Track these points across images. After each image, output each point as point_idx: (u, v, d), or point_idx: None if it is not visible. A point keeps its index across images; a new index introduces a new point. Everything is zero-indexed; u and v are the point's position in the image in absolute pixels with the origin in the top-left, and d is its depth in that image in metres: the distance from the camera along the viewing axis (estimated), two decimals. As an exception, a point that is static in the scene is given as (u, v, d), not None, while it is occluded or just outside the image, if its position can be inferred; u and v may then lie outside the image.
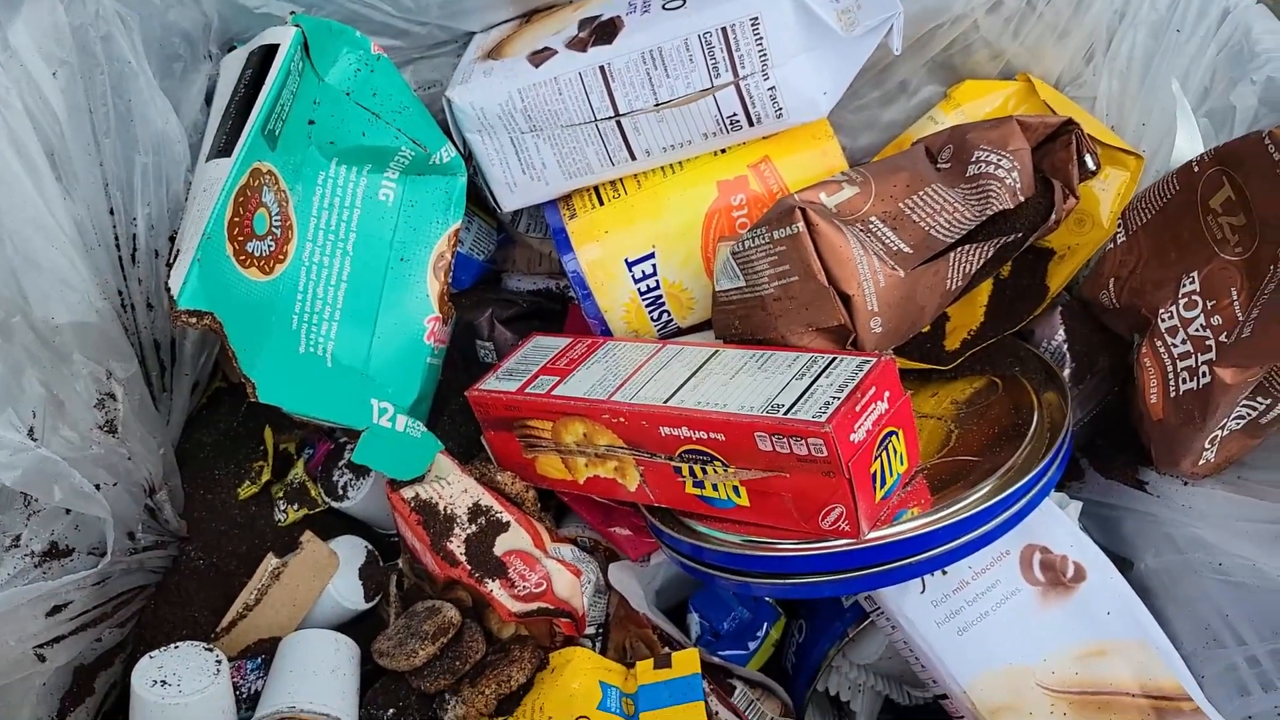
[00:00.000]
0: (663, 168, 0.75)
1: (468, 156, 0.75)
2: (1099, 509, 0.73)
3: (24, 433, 0.57)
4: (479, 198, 0.80)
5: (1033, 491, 0.63)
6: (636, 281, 0.75)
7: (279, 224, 0.67)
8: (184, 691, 0.61)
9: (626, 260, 0.74)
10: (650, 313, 0.76)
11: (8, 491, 0.59)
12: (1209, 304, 0.65)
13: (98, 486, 0.61)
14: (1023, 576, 0.65)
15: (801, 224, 0.63)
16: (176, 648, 0.64)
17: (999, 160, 0.66)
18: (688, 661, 0.64)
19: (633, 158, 0.73)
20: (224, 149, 0.64)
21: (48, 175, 0.62)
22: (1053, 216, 0.66)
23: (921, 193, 0.66)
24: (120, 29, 0.67)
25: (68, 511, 0.62)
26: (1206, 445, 0.65)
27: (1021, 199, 0.65)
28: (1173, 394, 0.67)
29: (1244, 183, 0.63)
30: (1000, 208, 0.65)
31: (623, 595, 0.72)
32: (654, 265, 0.74)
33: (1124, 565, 0.67)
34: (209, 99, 0.72)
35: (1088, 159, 0.67)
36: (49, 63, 0.63)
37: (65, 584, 0.60)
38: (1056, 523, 0.66)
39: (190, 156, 0.71)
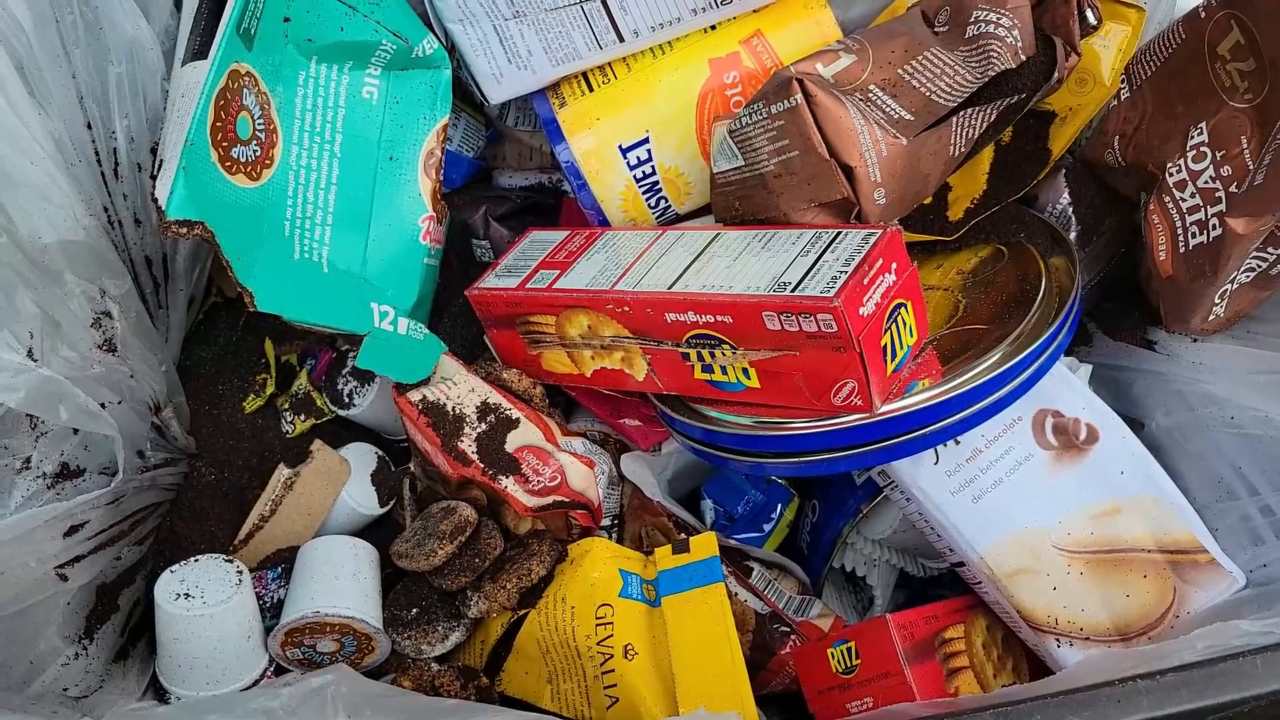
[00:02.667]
0: (652, 49, 0.72)
1: (450, 49, 0.73)
2: (1108, 371, 0.73)
3: (23, 354, 0.56)
4: (465, 93, 0.77)
5: (1043, 357, 0.63)
6: (632, 168, 0.73)
7: (262, 128, 0.65)
8: (208, 603, 0.61)
9: (620, 147, 0.72)
10: (647, 200, 0.74)
11: (13, 414, 0.59)
12: (1218, 154, 0.63)
13: (103, 405, 0.61)
14: (1035, 441, 0.65)
15: (799, 96, 0.61)
16: (197, 561, 0.64)
17: (999, 19, 0.64)
18: (706, 545, 0.64)
19: (621, 40, 0.70)
20: (199, 51, 0.61)
21: (18, 89, 0.60)
22: (1055, 75, 0.64)
23: (920, 57, 0.64)
24: (79, -69, 0.64)
25: (75, 432, 0.62)
26: (1216, 300, 0.65)
27: (1023, 58, 0.64)
28: (1182, 250, 0.66)
29: (1253, 25, 0.61)
30: (1002, 68, 0.63)
31: (636, 485, 0.73)
32: (649, 151, 0.73)
33: (1135, 426, 0.68)
34: (178, 3, 0.70)
35: (1089, 13, 0.65)
36: (8, -30, 0.60)
37: (79, 504, 0.60)
38: (1068, 386, 0.66)
39: (164, 64, 0.68)
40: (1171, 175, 0.66)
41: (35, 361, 0.57)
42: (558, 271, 0.70)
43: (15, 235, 0.59)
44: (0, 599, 0.56)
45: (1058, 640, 0.62)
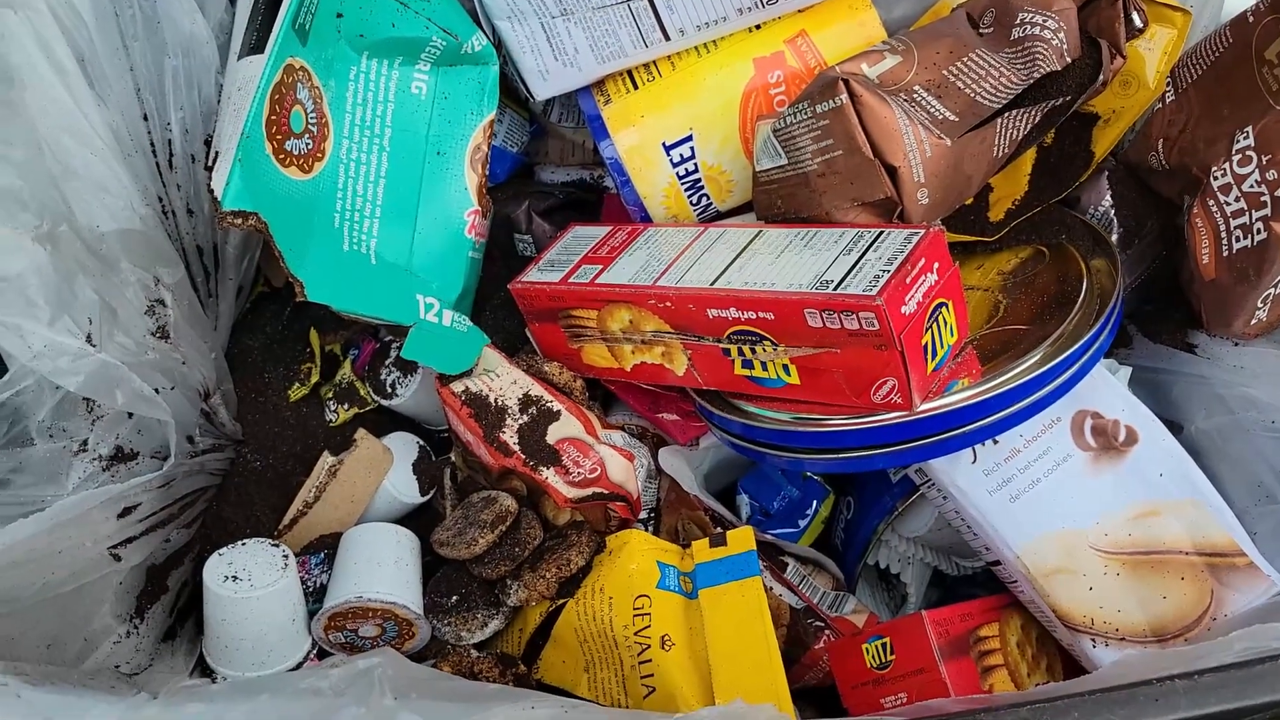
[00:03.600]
0: (697, 48, 0.73)
1: (497, 45, 0.74)
2: (1147, 374, 0.73)
3: (82, 338, 0.58)
4: (510, 89, 0.78)
5: (1083, 358, 0.63)
6: (675, 165, 0.74)
7: (315, 121, 0.66)
8: (255, 585, 0.63)
9: (664, 144, 0.73)
10: (689, 197, 0.75)
11: (71, 398, 0.60)
12: (1264, 158, 0.63)
13: (157, 391, 0.62)
14: (1074, 442, 0.65)
15: (845, 96, 0.62)
16: (244, 544, 0.65)
17: (1044, 21, 0.64)
18: (743, 539, 0.65)
19: (666, 38, 0.71)
20: (255, 46, 0.63)
21: (79, 81, 0.62)
22: (1100, 77, 0.64)
23: (965, 59, 0.65)
24: (139, -72, 0.66)
25: (130, 416, 0.64)
26: (1259, 304, 0.65)
27: (1069, 60, 0.64)
28: (1225, 253, 0.66)
29: (1301, 30, 0.61)
30: (1047, 70, 0.63)
31: (674, 479, 0.73)
32: (692, 148, 0.73)
33: (1174, 428, 0.67)
34: (233, -1, 0.71)
35: (1135, 16, 0.65)
36: (72, -36, 0.62)
37: (133, 486, 0.61)
38: (1108, 387, 0.66)
39: (219, 58, 0.70)
40: (1216, 179, 0.66)
41: (94, 347, 0.58)
42: (600, 266, 0.71)
43: (75, 224, 0.61)
44: (57, 576, 0.57)
45: (1093, 640, 0.63)
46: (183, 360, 0.66)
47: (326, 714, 0.49)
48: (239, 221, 0.61)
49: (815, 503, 0.78)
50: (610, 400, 0.80)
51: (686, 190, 0.75)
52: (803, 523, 0.78)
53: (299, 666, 0.66)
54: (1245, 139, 0.65)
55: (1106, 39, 0.65)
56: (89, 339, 0.58)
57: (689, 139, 0.73)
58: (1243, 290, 0.65)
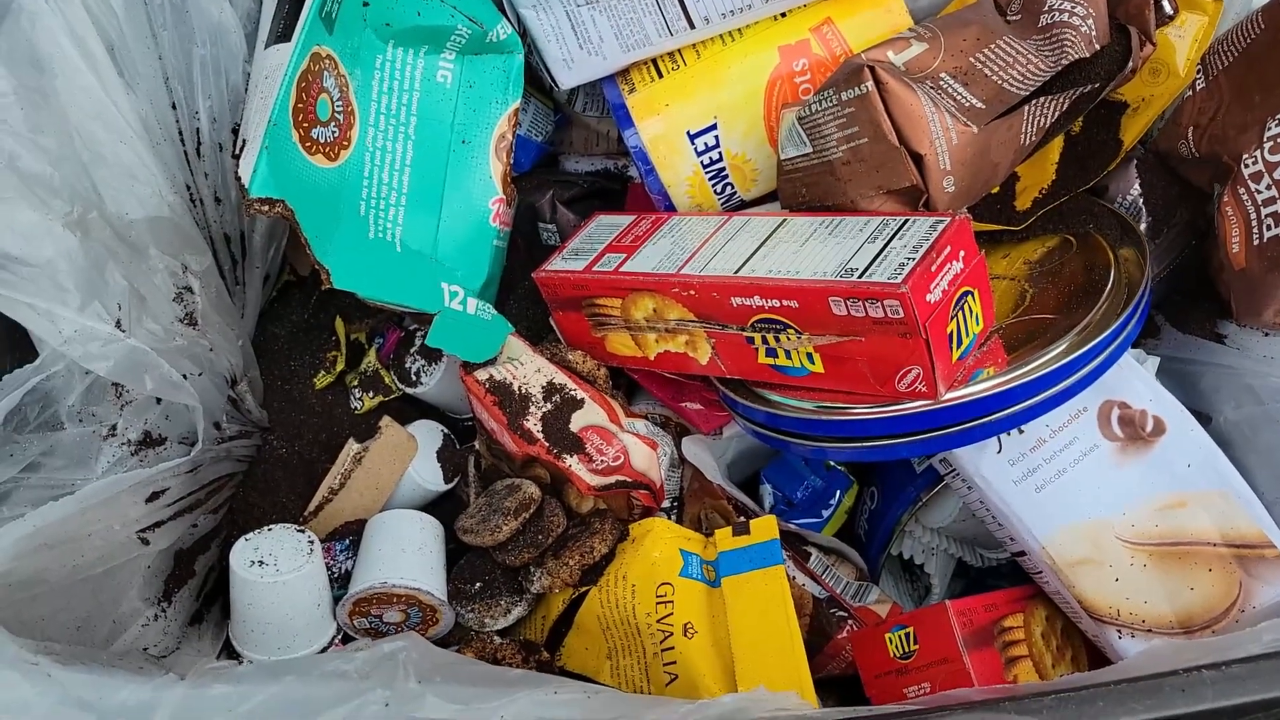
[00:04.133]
0: (721, 36, 0.73)
1: (522, 34, 0.74)
2: (1176, 364, 0.72)
3: (111, 324, 0.58)
4: (535, 77, 0.78)
5: (1110, 348, 0.63)
6: (699, 154, 0.74)
7: (341, 109, 0.67)
8: (281, 570, 0.63)
9: (689, 133, 0.73)
10: (713, 186, 0.75)
11: (100, 383, 0.61)
12: (1296, 146, 0.63)
13: (185, 376, 0.63)
14: (1100, 432, 0.65)
15: (870, 83, 0.61)
16: (270, 530, 0.66)
17: (1073, 7, 0.64)
18: (766, 528, 0.65)
19: (691, 26, 0.71)
20: (283, 34, 0.63)
21: (109, 69, 0.62)
22: (1130, 64, 0.64)
23: (992, 45, 0.64)
24: (167, -82, 0.66)
25: (158, 402, 0.64)
26: (1290, 293, 0.64)
27: (1097, 47, 0.63)
28: (1256, 242, 0.65)
29: (1335, 17, 0.60)
30: (1076, 57, 0.63)
31: (697, 468, 0.73)
32: (716, 137, 0.73)
33: (1203, 419, 0.67)
34: (260, -13, 0.72)
35: (1165, 3, 0.65)
36: (101, -47, 0.62)
37: (161, 471, 0.62)
38: (1135, 377, 0.65)
39: (246, 47, 0.70)
40: (1247, 166, 0.65)
41: (123, 332, 0.59)
42: (624, 255, 0.71)
43: (105, 211, 0.61)
44: (87, 559, 0.58)
45: (1119, 631, 0.62)
46: (210, 347, 0.67)
47: (351, 697, 0.50)
48: (265, 209, 0.61)
49: (839, 492, 0.78)
50: (634, 389, 0.80)
51: (711, 179, 0.75)
52: (826, 512, 0.78)
53: (324, 651, 0.66)
54: (1277, 126, 0.64)
55: (1136, 26, 0.64)
56: (118, 324, 0.59)
57: (713, 128, 0.73)
58: (1273, 279, 0.64)
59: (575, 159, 0.88)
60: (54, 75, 0.59)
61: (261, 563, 0.63)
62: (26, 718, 0.46)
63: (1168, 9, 0.64)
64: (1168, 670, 0.49)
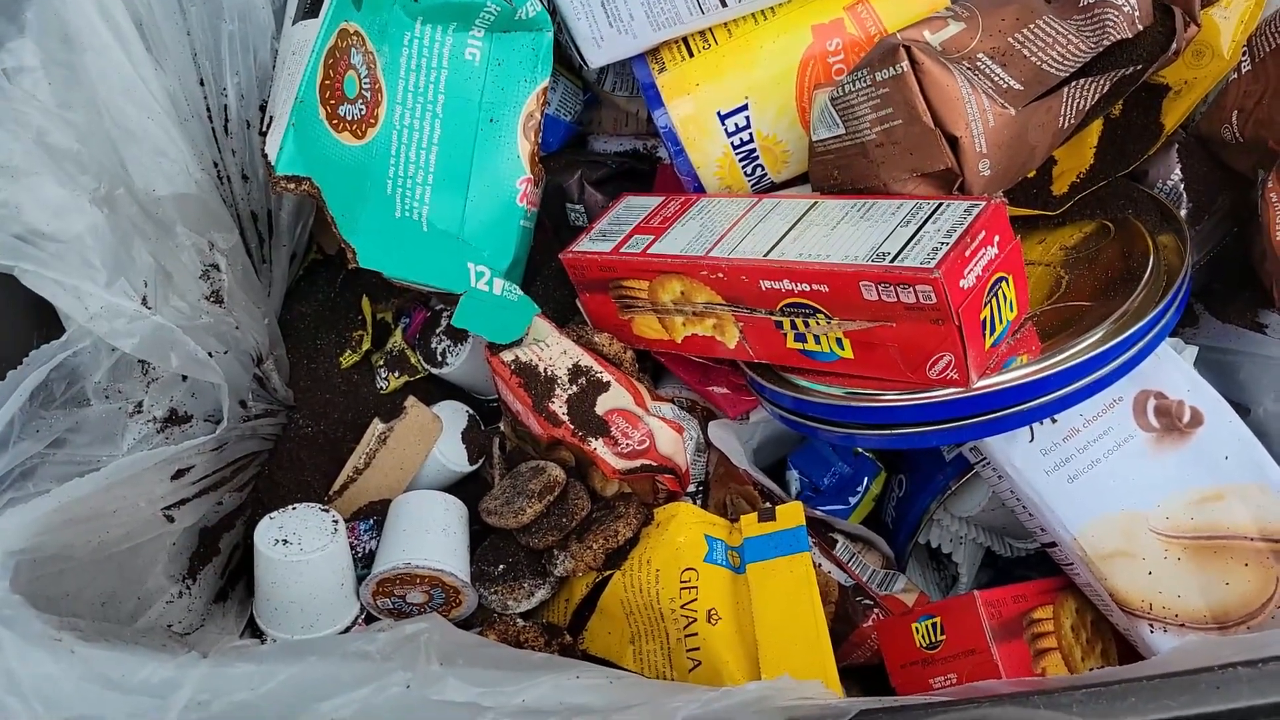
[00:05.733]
0: (754, 15, 0.72)
1: (552, 12, 0.73)
2: (1214, 354, 0.70)
3: (138, 301, 0.58)
4: (564, 56, 0.78)
5: (1148, 337, 0.62)
6: (730, 135, 0.73)
7: (368, 87, 0.66)
8: (305, 549, 0.63)
9: (719, 113, 0.72)
10: (744, 167, 0.74)
11: (127, 360, 0.61)
12: (1346, 131, 0.61)
13: (210, 354, 0.63)
14: (1136, 423, 0.63)
15: (906, 63, 0.60)
16: (294, 509, 0.66)
17: (1116, -13, 0.62)
18: (792, 514, 0.64)
19: (724, 4, 0.70)
20: (310, 9, 0.63)
21: (137, 45, 0.62)
22: (1173, 46, 0.62)
23: (1032, 25, 0.63)
24: (195, -108, 0.66)
25: (184, 379, 0.64)
26: (1335, 283, 0.63)
27: (1140, 27, 0.62)
28: (1301, 230, 0.64)
29: (1389, -3, 0.58)
30: (1118, 37, 0.61)
31: (723, 452, 0.73)
32: (747, 117, 0.72)
33: (1241, 410, 0.65)
34: (289, -37, 0.71)
35: (1211, -17, 0.63)
36: (129, -72, 0.62)
37: (186, 449, 0.62)
38: (1173, 367, 0.64)
39: (274, 23, 0.70)
40: (1293, 152, 0.64)
41: (149, 309, 0.59)
42: (652, 237, 0.70)
43: (132, 188, 0.61)
44: (112, 536, 0.58)
45: (1151, 625, 0.61)
46: (236, 325, 0.67)
47: (374, 677, 0.50)
48: (292, 186, 0.61)
49: (866, 479, 0.77)
50: (660, 372, 0.79)
51: (741, 160, 0.74)
52: (853, 500, 0.77)
53: (347, 630, 0.66)
54: (1326, 110, 0.62)
55: (1180, 6, 0.63)
56: (144, 301, 0.59)
57: (744, 108, 0.72)
58: (1319, 268, 0.62)
59: (604, 139, 0.87)
60: (83, 51, 0.59)
61: (286, 541, 0.63)
62: (49, 693, 0.46)
63: (1213, -11, 0.63)
64: (1203, 666, 0.48)
